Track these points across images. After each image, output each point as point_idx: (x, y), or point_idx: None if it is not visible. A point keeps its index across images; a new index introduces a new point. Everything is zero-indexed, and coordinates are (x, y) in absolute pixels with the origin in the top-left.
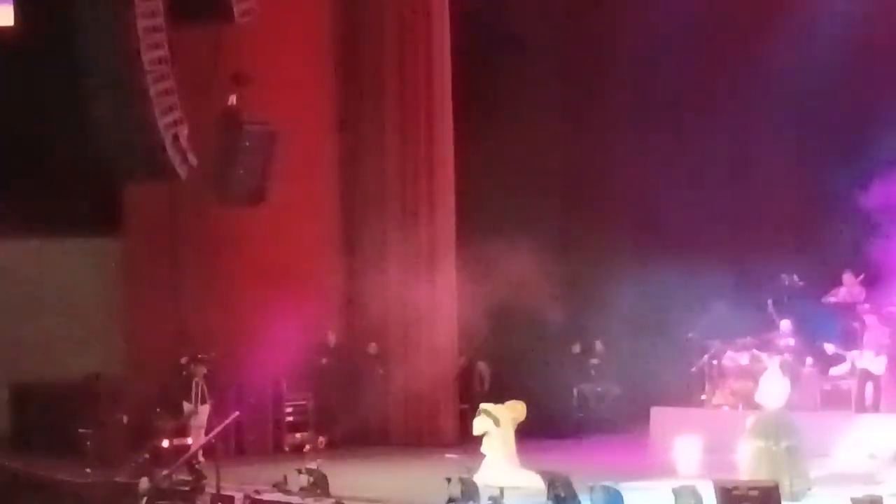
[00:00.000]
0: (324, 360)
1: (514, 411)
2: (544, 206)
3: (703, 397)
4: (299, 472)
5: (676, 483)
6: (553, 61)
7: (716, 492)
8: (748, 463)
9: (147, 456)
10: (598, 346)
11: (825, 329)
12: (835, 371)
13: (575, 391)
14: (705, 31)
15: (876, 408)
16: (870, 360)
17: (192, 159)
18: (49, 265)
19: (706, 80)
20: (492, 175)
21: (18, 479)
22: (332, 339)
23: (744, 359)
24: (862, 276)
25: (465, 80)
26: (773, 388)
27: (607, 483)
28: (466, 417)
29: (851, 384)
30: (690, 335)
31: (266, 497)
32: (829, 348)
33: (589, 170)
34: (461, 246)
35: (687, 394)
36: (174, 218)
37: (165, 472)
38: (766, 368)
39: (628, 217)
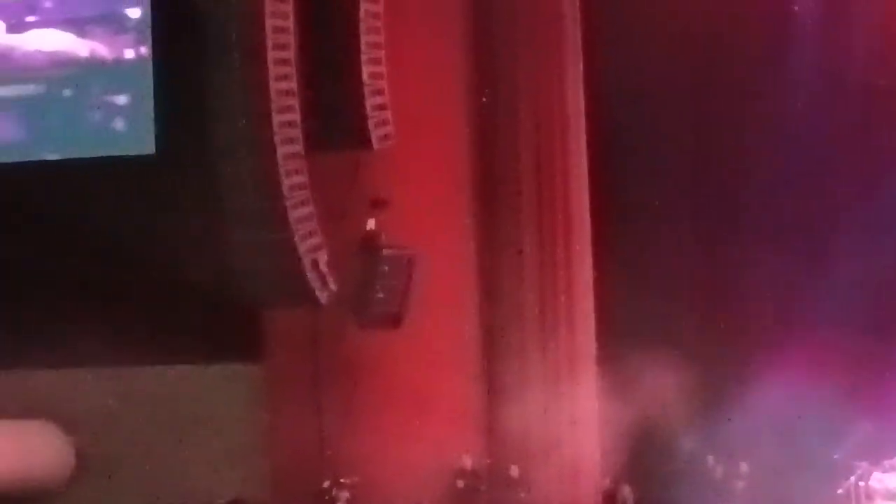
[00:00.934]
0: (461, 484)
1: None
2: (684, 317)
3: None
4: None
5: None
6: (689, 175)
7: None
8: None
9: None
10: (744, 467)
11: None
12: None
13: None
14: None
15: None
16: None
17: (332, 284)
18: (189, 391)
19: (842, 203)
20: (631, 287)
21: None
22: (468, 461)
23: (893, 481)
24: None
25: (601, 195)
26: None
27: None
28: None
29: None
30: (836, 456)
31: None
32: None
33: (725, 281)
34: (602, 362)
35: None
36: (314, 343)
37: None
38: None
39: (768, 333)
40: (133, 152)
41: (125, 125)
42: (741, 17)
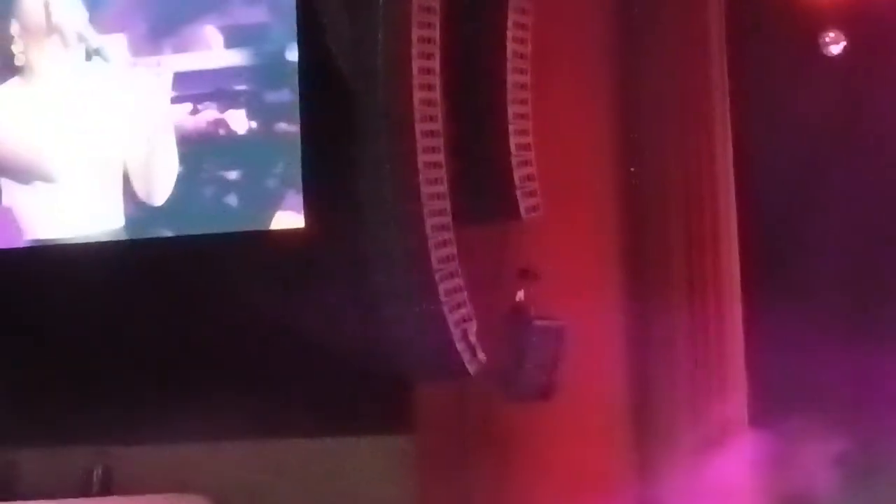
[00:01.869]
0: None
1: None
2: (840, 392)
3: None
4: None
5: None
6: (843, 248)
7: None
8: None
9: None
10: None
11: None
12: None
13: None
14: None
15: None
16: None
17: (481, 356)
18: (337, 464)
19: None
20: (784, 361)
21: None
22: None
23: None
24: None
25: (752, 269)
26: None
27: None
28: None
29: None
30: None
31: None
32: None
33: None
34: (754, 434)
35: None
36: (463, 415)
37: None
38: None
39: None
40: (281, 226)
41: (238, 202)
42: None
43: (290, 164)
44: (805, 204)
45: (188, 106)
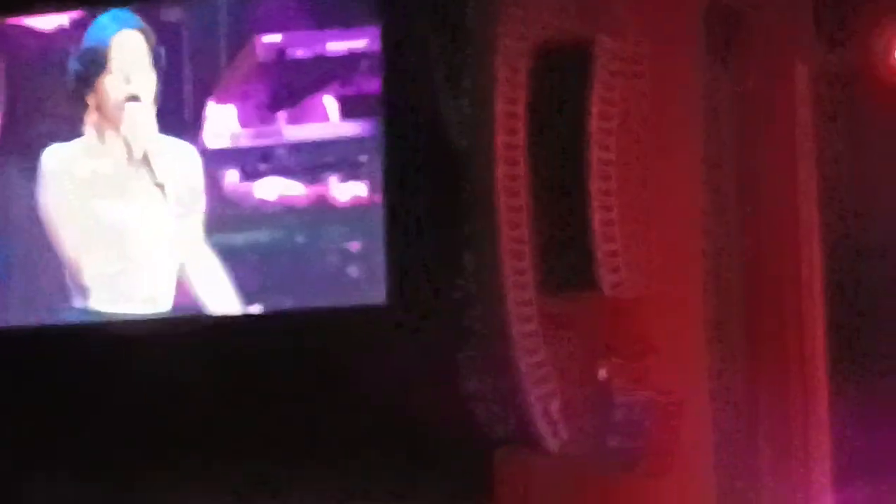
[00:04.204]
0: None
1: None
2: None
3: None
4: None
5: None
6: None
7: None
8: None
9: None
10: None
11: None
12: None
13: None
14: None
15: None
16: None
17: (564, 432)
18: None
19: None
20: (869, 451)
21: None
22: None
23: None
24: None
25: (839, 350)
26: None
27: None
28: None
29: None
30: None
31: None
32: None
33: None
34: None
35: None
36: (547, 487)
37: None
38: None
39: None
40: (365, 301)
41: (357, 273)
42: None
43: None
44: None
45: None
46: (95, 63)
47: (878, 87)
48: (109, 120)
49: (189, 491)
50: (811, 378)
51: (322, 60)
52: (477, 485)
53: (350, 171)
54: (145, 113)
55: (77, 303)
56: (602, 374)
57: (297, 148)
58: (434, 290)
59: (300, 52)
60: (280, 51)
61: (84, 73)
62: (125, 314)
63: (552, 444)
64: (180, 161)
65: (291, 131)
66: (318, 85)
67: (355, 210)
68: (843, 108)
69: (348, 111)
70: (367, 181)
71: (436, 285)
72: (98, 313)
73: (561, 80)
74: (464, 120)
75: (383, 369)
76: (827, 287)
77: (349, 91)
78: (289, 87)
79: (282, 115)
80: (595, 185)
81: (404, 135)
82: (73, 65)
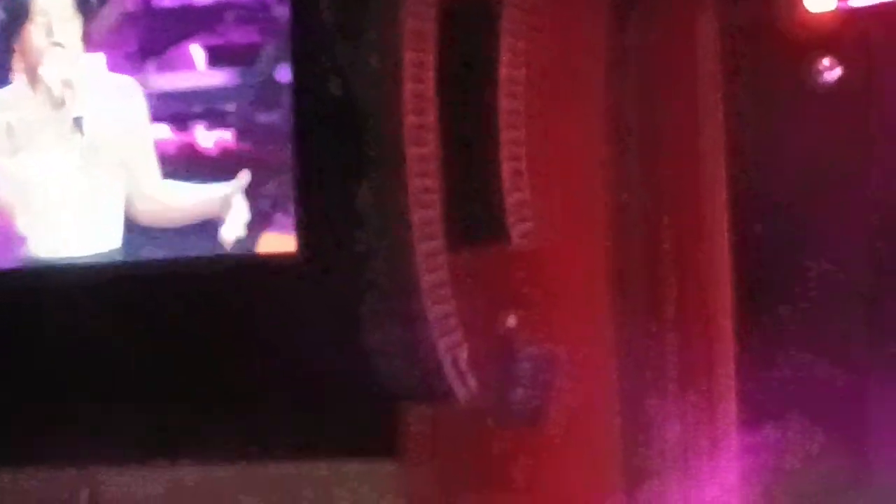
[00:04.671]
0: None
1: None
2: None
3: None
4: None
5: None
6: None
7: None
8: None
9: None
10: None
11: None
12: None
13: None
14: None
15: None
16: None
17: (471, 382)
18: (327, 487)
19: None
20: (774, 389)
21: None
22: None
23: None
24: None
25: (745, 302)
26: None
27: None
28: None
29: None
30: None
31: None
32: None
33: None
34: (747, 469)
35: None
36: (452, 441)
37: None
38: None
39: None
40: (269, 246)
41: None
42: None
43: (280, 186)
44: (801, 228)
45: (175, 125)
46: (18, 12)
47: (784, 40)
48: (34, 66)
49: (90, 438)
50: (715, 327)
51: (188, 10)
52: (384, 439)
53: (217, 119)
54: (67, 58)
55: (19, 251)
56: (510, 321)
57: (165, 97)
58: (342, 241)
59: (167, 2)
60: (147, 0)
61: (8, 22)
62: (66, 258)
63: (461, 394)
64: (113, 100)
65: (159, 80)
66: (185, 34)
67: (223, 157)
68: (749, 60)
69: (215, 60)
70: (233, 130)
71: (344, 236)
72: (39, 259)
73: (468, 31)
74: (372, 71)
75: (288, 319)
76: (732, 238)
77: (215, 41)
78: (156, 36)
79: (150, 64)
80: (505, 135)
81: (313, 87)
82: None
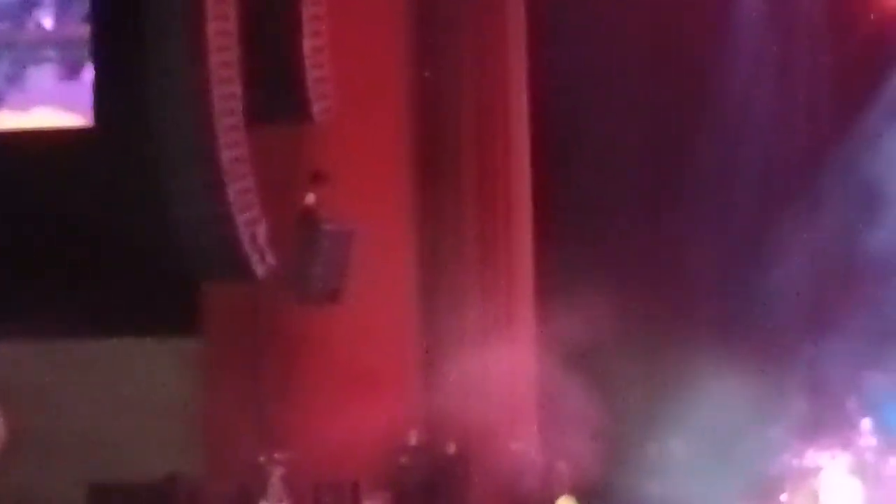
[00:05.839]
0: (404, 460)
1: None
2: (626, 296)
3: (783, 497)
4: None
5: None
6: (630, 159)
7: None
8: None
9: None
10: (681, 443)
11: None
12: None
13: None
14: None
15: None
16: None
17: (270, 258)
18: (126, 365)
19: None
20: (571, 263)
21: None
22: (413, 438)
23: (823, 459)
24: None
25: (543, 174)
26: (843, 489)
27: None
28: None
29: None
30: (775, 433)
31: None
32: None
33: (667, 258)
34: (542, 339)
35: (767, 493)
36: (252, 317)
37: None
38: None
39: (708, 311)
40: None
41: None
42: (686, 15)
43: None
44: (595, 110)
45: None
46: None
47: None
48: None
49: None
50: (514, 201)
51: None
52: (183, 317)
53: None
54: None
55: None
56: (310, 198)
57: None
58: (140, 113)
59: None
60: None
61: None
62: None
63: (259, 269)
64: None
65: None
66: None
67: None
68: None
69: None
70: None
71: (143, 108)
72: None
73: None
74: None
75: (87, 192)
76: (531, 113)
77: None
78: None
79: None
80: (305, 11)
81: None
82: None
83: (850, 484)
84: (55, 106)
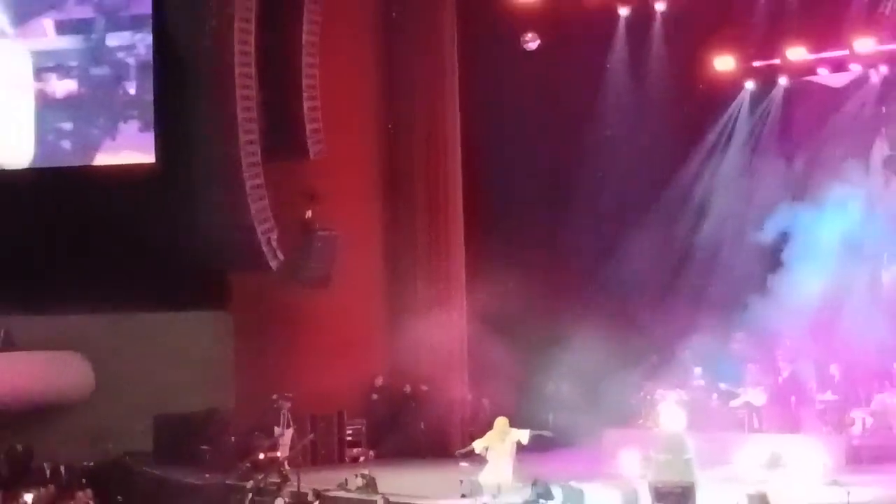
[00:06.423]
0: (374, 397)
1: (499, 430)
2: (532, 277)
3: (641, 421)
4: (356, 476)
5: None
6: (536, 174)
7: (649, 489)
8: (660, 469)
9: (248, 465)
10: (567, 384)
11: (726, 372)
12: (733, 403)
13: (551, 416)
14: None
15: (760, 429)
16: (754, 395)
17: (280, 255)
18: (175, 331)
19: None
20: (495, 258)
21: (160, 483)
22: (380, 381)
23: (669, 394)
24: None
25: (472, 194)
26: (675, 416)
27: (573, 482)
28: (473, 438)
29: (744, 412)
30: (633, 377)
31: (331, 493)
32: (724, 387)
33: (562, 248)
34: (471, 311)
35: (630, 417)
36: (266, 297)
37: (261, 475)
38: (675, 402)
39: (587, 281)
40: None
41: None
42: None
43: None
44: (511, 142)
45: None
46: None
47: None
48: None
49: (3, 290)
50: (452, 214)
51: None
52: (216, 296)
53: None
54: None
55: None
56: (308, 213)
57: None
58: (189, 153)
59: None
60: None
61: None
62: None
63: (273, 264)
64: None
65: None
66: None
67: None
68: (478, 30)
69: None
70: (76, 79)
71: (191, 150)
72: None
73: (282, 6)
74: (210, 31)
75: (150, 210)
76: (464, 151)
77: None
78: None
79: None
80: (305, 81)
81: (168, 45)
82: None
83: (680, 411)
84: (134, 150)
